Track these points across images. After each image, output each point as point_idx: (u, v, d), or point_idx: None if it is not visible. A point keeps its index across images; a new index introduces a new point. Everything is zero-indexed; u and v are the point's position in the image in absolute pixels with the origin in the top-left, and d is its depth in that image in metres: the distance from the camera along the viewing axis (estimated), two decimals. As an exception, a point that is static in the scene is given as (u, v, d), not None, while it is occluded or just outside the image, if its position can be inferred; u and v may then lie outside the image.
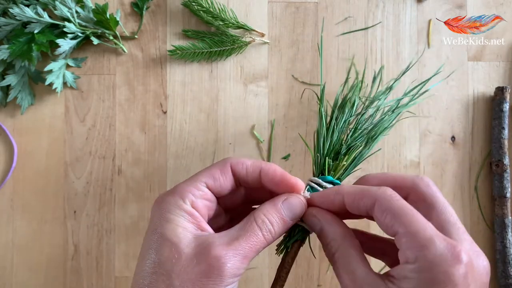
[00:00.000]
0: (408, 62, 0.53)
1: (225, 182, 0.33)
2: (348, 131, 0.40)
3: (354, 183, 0.36)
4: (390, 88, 0.45)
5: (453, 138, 0.53)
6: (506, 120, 0.52)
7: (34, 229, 0.51)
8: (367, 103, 0.43)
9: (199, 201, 0.31)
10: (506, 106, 0.52)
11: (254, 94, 0.53)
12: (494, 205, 0.52)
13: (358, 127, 0.40)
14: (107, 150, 0.52)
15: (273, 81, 0.53)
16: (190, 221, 0.30)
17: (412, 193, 0.31)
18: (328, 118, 0.41)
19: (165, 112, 0.52)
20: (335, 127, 0.40)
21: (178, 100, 0.52)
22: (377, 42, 0.53)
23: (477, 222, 0.53)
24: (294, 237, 0.34)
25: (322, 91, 0.43)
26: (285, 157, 0.52)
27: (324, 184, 0.36)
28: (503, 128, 0.51)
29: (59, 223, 0.51)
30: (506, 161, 0.51)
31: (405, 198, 0.30)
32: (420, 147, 0.53)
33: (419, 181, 0.32)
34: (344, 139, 0.40)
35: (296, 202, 0.32)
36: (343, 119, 0.40)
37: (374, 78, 0.46)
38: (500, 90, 0.52)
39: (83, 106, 0.52)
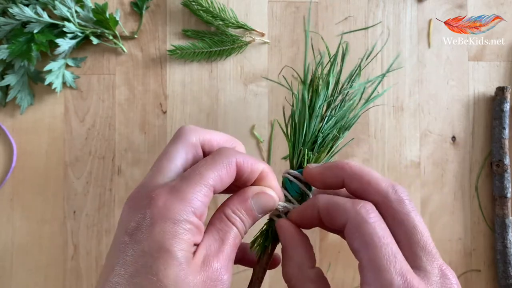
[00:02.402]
0: (408, 62, 0.53)
1: (230, 180, 0.29)
2: (322, 119, 0.37)
3: (327, 164, 0.32)
4: (358, 71, 0.40)
5: (453, 138, 0.53)
6: (507, 120, 0.51)
7: (34, 229, 0.51)
8: (339, 86, 0.39)
9: (205, 209, 0.28)
10: (507, 106, 0.51)
11: (254, 94, 0.53)
12: (495, 205, 0.52)
13: (332, 114, 0.37)
14: (106, 150, 0.52)
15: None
16: (195, 235, 0.27)
17: (383, 206, 0.28)
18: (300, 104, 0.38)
19: (165, 112, 0.52)
20: (313, 113, 0.36)
21: (178, 100, 0.52)
22: (377, 41, 0.53)
23: (477, 222, 0.53)
24: (272, 235, 0.33)
25: (306, 72, 0.38)
26: (285, 157, 0.52)
27: (303, 178, 0.33)
28: (504, 128, 0.51)
29: (58, 223, 0.51)
30: (507, 161, 0.51)
31: (376, 205, 0.28)
32: (421, 147, 0.53)
33: (393, 194, 0.28)
34: (320, 128, 0.37)
35: (267, 199, 0.30)
36: (319, 104, 0.36)
37: (344, 55, 0.41)
38: (500, 90, 0.52)
39: (82, 106, 0.52)
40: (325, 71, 0.38)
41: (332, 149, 0.36)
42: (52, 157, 0.52)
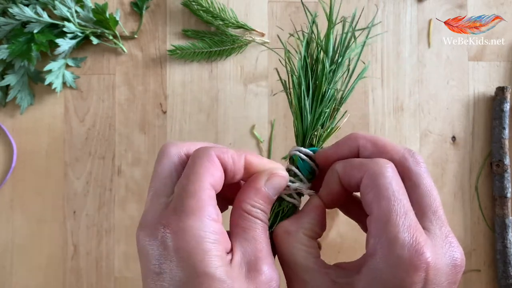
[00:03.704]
0: (408, 62, 0.53)
1: (221, 174, 0.28)
2: (325, 93, 0.35)
3: (339, 140, 0.32)
4: (353, 38, 0.37)
5: (453, 138, 0.53)
6: (507, 120, 0.51)
7: (34, 229, 0.51)
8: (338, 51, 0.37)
9: (218, 210, 0.26)
10: (507, 106, 0.51)
11: (254, 94, 0.53)
12: (495, 205, 0.52)
13: (331, 86, 0.35)
14: (106, 150, 0.52)
15: (273, 81, 0.53)
16: (223, 242, 0.25)
17: (399, 166, 0.28)
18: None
19: (165, 112, 0.52)
20: (319, 86, 0.34)
21: (178, 100, 0.52)
22: (377, 41, 0.53)
23: (477, 222, 0.53)
24: (284, 216, 0.32)
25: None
26: (285, 157, 0.52)
27: (312, 154, 0.33)
28: (504, 128, 0.51)
29: (58, 223, 0.51)
30: (507, 161, 0.51)
31: None
32: (421, 147, 0.53)
33: (409, 156, 0.29)
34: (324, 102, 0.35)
35: (280, 180, 0.30)
36: (325, 74, 0.34)
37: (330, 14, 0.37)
38: (500, 90, 0.52)
39: (82, 106, 0.52)
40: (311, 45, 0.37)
41: (338, 123, 0.35)
42: (52, 157, 0.52)
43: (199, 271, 0.23)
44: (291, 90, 0.36)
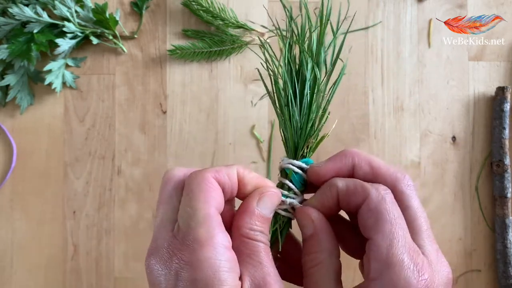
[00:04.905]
0: (408, 62, 0.53)
1: (220, 196, 0.28)
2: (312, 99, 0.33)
3: (333, 156, 0.32)
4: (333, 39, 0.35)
5: (453, 138, 0.53)
6: (507, 120, 0.51)
7: (34, 229, 0.51)
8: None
9: (227, 235, 0.27)
10: (507, 106, 0.51)
11: (254, 94, 0.53)
12: (495, 205, 0.52)
13: (320, 90, 0.33)
14: (106, 150, 0.52)
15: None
16: (236, 269, 0.26)
17: (392, 188, 0.29)
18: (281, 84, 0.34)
19: (164, 112, 0.52)
20: (303, 91, 0.32)
21: (178, 100, 0.52)
22: (377, 41, 0.53)
23: (477, 222, 0.53)
24: (281, 228, 0.32)
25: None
26: (285, 157, 0.52)
27: (306, 167, 0.32)
28: (504, 128, 0.51)
29: (58, 223, 0.51)
30: (507, 161, 0.51)
31: None
32: (421, 147, 0.53)
33: (402, 178, 0.30)
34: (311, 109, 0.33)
35: (272, 198, 0.29)
36: (307, 80, 0.33)
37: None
38: (500, 90, 0.52)
39: (82, 106, 0.52)
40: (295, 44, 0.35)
41: (324, 132, 0.33)
42: (52, 157, 0.52)
43: None
44: (276, 95, 0.35)
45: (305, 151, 0.33)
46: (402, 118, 0.53)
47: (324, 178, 0.31)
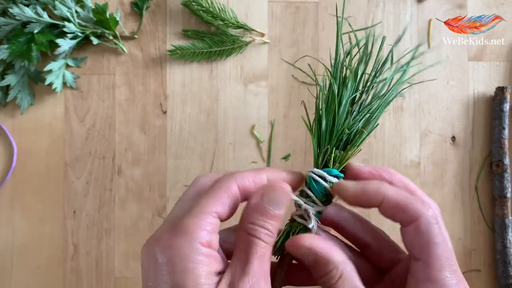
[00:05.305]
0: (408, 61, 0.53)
1: (234, 204, 0.28)
2: (348, 114, 0.34)
3: (364, 187, 0.30)
4: (390, 61, 0.38)
5: (453, 138, 0.53)
6: (507, 120, 0.51)
7: (34, 229, 0.51)
8: (372, 74, 0.37)
9: (214, 236, 0.27)
10: (507, 106, 0.51)
11: (254, 94, 0.53)
12: (495, 205, 0.52)
13: (362, 106, 0.34)
14: (107, 150, 0.52)
15: (273, 81, 0.53)
16: (211, 266, 0.26)
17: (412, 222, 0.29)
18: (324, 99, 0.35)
19: (165, 112, 0.52)
20: (339, 107, 0.33)
21: (178, 100, 0.52)
22: (377, 42, 0.53)
23: (477, 222, 0.53)
24: (294, 234, 0.31)
25: (337, 62, 0.36)
26: (285, 157, 0.52)
27: (329, 178, 0.31)
28: (504, 128, 0.51)
29: (58, 223, 0.51)
30: (507, 161, 0.51)
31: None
32: (421, 147, 0.53)
33: (435, 208, 0.29)
34: (346, 123, 0.34)
35: (278, 193, 0.28)
36: (346, 96, 0.34)
37: (379, 46, 0.39)
38: (500, 90, 0.52)
39: (83, 106, 0.52)
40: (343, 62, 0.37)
41: (358, 146, 0.33)
42: (52, 157, 0.52)
43: (180, 287, 0.24)
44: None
45: (330, 162, 0.33)
46: (402, 118, 0.53)
47: (349, 200, 0.30)
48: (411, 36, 0.54)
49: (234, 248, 0.28)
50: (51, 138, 0.52)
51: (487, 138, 0.53)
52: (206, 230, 0.26)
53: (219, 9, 0.51)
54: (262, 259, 0.27)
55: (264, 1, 0.53)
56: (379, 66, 0.36)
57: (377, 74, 0.37)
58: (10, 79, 0.50)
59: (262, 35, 0.53)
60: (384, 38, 0.39)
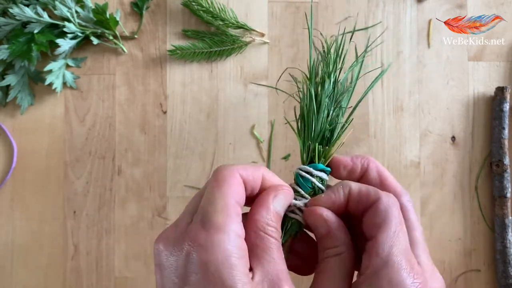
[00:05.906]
0: (408, 62, 0.53)
1: (243, 193, 0.29)
2: (329, 112, 0.37)
3: (353, 156, 0.35)
4: (362, 61, 0.41)
5: (453, 138, 0.53)
6: (506, 120, 0.51)
7: (34, 229, 0.51)
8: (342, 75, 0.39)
9: (243, 228, 0.28)
10: (506, 106, 0.51)
11: (254, 94, 0.53)
12: (494, 205, 0.52)
13: (336, 102, 0.37)
14: (107, 150, 0.52)
15: (273, 81, 0.53)
16: (247, 259, 0.27)
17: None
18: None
19: (165, 112, 0.52)
20: (320, 106, 0.36)
21: (178, 100, 0.52)
22: (377, 42, 0.53)
23: (477, 222, 0.53)
24: (288, 232, 0.33)
25: (312, 68, 0.39)
26: (285, 157, 0.52)
27: (315, 172, 0.34)
28: (503, 128, 0.51)
29: (58, 223, 0.51)
30: (506, 161, 0.51)
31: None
32: (421, 147, 0.53)
33: (404, 193, 0.33)
34: (327, 121, 0.37)
35: (285, 196, 0.31)
36: (323, 96, 0.37)
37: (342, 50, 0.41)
38: (500, 90, 0.52)
39: (83, 106, 0.52)
40: (318, 66, 0.39)
41: (338, 140, 0.36)
42: (52, 157, 0.52)
43: (227, 284, 0.25)
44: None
45: (315, 158, 0.35)
46: (402, 118, 0.53)
47: (345, 165, 0.34)
48: (411, 36, 0.54)
49: (248, 245, 0.28)
50: (51, 138, 0.52)
51: (487, 138, 0.53)
52: (238, 221, 0.27)
53: (219, 9, 0.51)
54: (282, 257, 0.29)
55: (264, 1, 0.53)
56: (341, 64, 0.39)
57: (342, 71, 0.39)
58: (10, 79, 0.50)
59: (262, 35, 0.53)
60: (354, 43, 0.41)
